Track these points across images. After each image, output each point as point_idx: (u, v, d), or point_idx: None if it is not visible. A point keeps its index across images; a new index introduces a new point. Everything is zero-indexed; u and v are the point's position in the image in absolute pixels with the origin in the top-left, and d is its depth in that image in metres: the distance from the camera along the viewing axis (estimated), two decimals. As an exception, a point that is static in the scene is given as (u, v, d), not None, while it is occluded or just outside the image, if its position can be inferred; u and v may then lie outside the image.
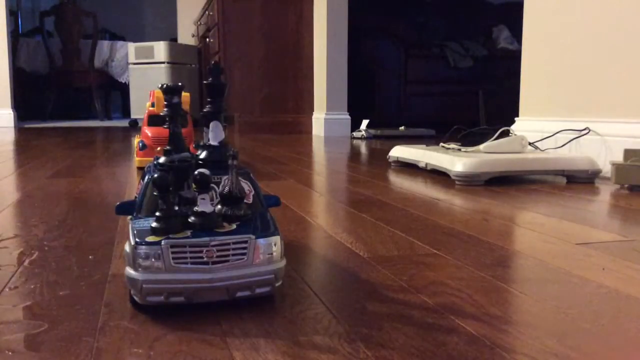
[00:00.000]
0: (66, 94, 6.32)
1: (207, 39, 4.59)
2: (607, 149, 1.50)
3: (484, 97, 3.70)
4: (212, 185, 0.58)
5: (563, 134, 1.62)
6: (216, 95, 0.62)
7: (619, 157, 1.39)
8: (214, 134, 0.62)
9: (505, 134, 1.52)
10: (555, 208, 1.05)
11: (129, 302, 0.54)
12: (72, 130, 4.09)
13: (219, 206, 0.56)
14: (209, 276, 0.50)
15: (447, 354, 0.43)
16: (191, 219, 0.53)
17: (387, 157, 1.80)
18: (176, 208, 0.54)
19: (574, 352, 0.44)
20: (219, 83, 0.61)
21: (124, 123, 5.21)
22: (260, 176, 1.49)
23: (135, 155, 1.69)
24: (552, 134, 1.65)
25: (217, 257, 0.50)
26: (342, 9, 3.45)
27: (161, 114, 1.53)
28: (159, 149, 1.57)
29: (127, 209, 0.58)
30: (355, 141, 3.02)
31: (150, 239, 0.50)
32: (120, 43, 5.90)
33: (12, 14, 5.49)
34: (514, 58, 2.93)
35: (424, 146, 1.72)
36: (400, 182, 1.40)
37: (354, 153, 2.28)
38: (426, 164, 1.54)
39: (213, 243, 0.50)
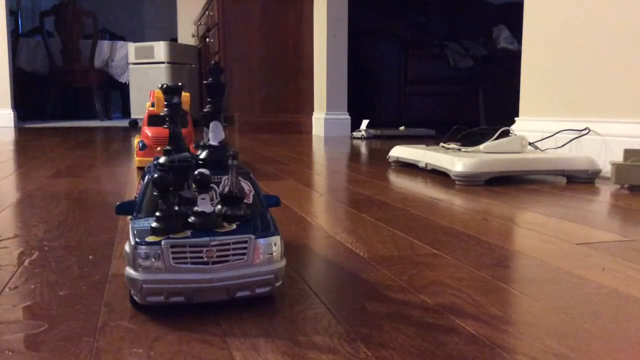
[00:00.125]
0: (66, 94, 6.33)
1: (207, 39, 4.59)
2: (607, 149, 1.50)
3: (484, 97, 3.70)
4: (212, 185, 0.58)
5: (563, 134, 1.62)
6: (216, 95, 0.62)
7: (619, 157, 1.39)
8: (214, 134, 0.62)
9: (505, 134, 1.52)
10: (555, 208, 1.05)
11: (129, 302, 0.54)
12: (72, 130, 4.09)
13: (219, 206, 0.56)
14: (209, 276, 0.50)
15: (447, 354, 0.43)
16: (191, 219, 0.53)
17: (387, 157, 1.80)
18: (176, 208, 0.54)
19: (574, 352, 0.44)
20: (219, 83, 0.61)
21: (124, 123, 5.21)
22: (260, 176, 1.49)
23: (135, 155, 1.69)
24: (552, 134, 1.65)
25: (217, 257, 0.50)
26: (342, 9, 3.45)
27: (161, 114, 1.53)
28: (159, 149, 1.57)
29: (127, 209, 0.58)
30: (355, 141, 3.02)
31: (150, 239, 0.50)
32: (120, 43, 5.90)
33: (12, 14, 5.50)
34: (514, 58, 2.93)
35: (424, 146, 1.72)
36: (400, 182, 1.40)
37: (354, 153, 2.28)
38: (426, 164, 1.54)
39: (213, 243, 0.50)
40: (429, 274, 0.63)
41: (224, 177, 0.59)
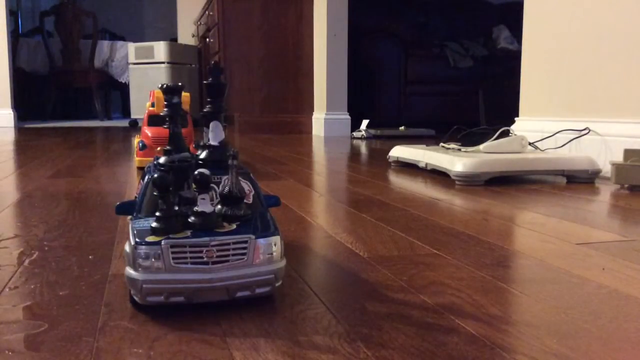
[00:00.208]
0: (66, 94, 6.33)
1: (207, 39, 4.59)
2: (607, 149, 1.50)
3: (484, 97, 3.70)
4: (212, 185, 0.58)
5: (563, 134, 1.62)
6: (216, 95, 0.62)
7: (619, 157, 1.39)
8: (214, 134, 0.62)
9: (505, 134, 1.52)
10: (555, 208, 1.05)
11: (129, 302, 0.54)
12: (72, 130, 4.09)
13: (219, 206, 0.56)
14: (209, 276, 0.50)
15: (447, 354, 0.43)
16: (191, 219, 0.53)
17: (387, 157, 1.80)
18: (176, 208, 0.54)
19: (574, 352, 0.44)
20: (219, 83, 0.61)
21: (124, 123, 5.21)
22: (260, 176, 1.49)
23: (135, 155, 1.69)
24: (552, 134, 1.65)
25: (217, 257, 0.50)
26: (342, 9, 3.45)
27: (161, 114, 1.53)
28: (159, 149, 1.57)
29: (127, 209, 0.58)
30: (355, 141, 3.02)
31: (150, 239, 0.50)
32: (120, 43, 5.90)
33: (12, 14, 5.50)
34: (514, 58, 2.93)
35: (424, 146, 1.72)
36: (400, 182, 1.40)
37: (354, 153, 2.28)
38: (426, 164, 1.54)
39: (213, 243, 0.50)
40: (429, 274, 0.63)
41: (224, 177, 0.59)
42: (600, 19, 1.53)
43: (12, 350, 0.44)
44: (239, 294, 0.52)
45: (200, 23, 5.02)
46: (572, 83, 1.64)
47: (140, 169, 1.62)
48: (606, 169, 1.45)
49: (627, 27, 1.45)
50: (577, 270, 0.65)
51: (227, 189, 0.56)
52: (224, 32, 3.91)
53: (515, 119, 1.90)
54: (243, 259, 0.51)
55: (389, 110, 4.11)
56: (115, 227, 0.87)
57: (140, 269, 0.50)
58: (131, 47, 4.82)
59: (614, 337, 0.46)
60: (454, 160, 1.38)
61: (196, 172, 0.53)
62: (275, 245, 0.53)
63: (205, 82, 0.62)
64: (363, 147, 2.59)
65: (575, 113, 1.63)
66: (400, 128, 3.44)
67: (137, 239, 0.50)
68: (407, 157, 1.67)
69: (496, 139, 1.50)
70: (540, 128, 1.74)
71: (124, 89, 5.87)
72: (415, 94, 4.13)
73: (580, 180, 1.40)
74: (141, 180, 0.62)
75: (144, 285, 0.49)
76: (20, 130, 3.98)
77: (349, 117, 3.55)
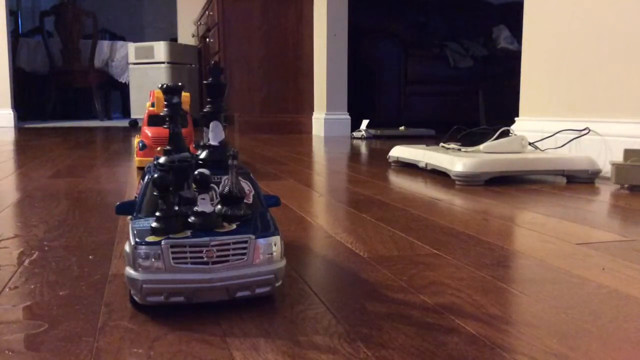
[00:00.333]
0: (66, 94, 6.33)
1: (207, 39, 4.59)
2: (607, 149, 1.50)
3: (484, 97, 3.70)
4: (212, 185, 0.58)
5: (563, 134, 1.63)
6: (216, 95, 0.62)
7: (619, 157, 1.39)
8: (214, 134, 0.62)
9: (505, 134, 1.52)
10: (555, 208, 1.05)
11: (129, 302, 0.54)
12: (72, 130, 4.09)
13: (219, 206, 0.56)
14: (209, 276, 0.50)
15: (447, 354, 0.43)
16: (191, 219, 0.53)
17: (387, 157, 1.80)
18: (176, 208, 0.54)
19: (574, 352, 0.44)
20: (219, 83, 0.61)
21: (124, 123, 5.21)
22: (260, 176, 1.49)
23: (135, 155, 1.69)
24: (552, 134, 1.65)
25: (217, 257, 0.50)
26: (342, 9, 3.45)
27: (161, 114, 1.53)
28: (159, 149, 1.57)
29: (127, 209, 0.58)
30: (355, 141, 3.02)
31: (150, 239, 0.50)
32: (120, 43, 5.90)
33: (12, 14, 5.50)
34: (514, 58, 2.93)
35: (424, 146, 1.72)
36: (400, 182, 1.40)
37: (354, 153, 2.28)
38: (426, 164, 1.54)
39: (213, 243, 0.50)
40: (429, 274, 0.63)
41: (224, 177, 0.59)
42: (600, 19, 1.53)
43: (12, 350, 0.44)
44: (239, 294, 0.52)
45: (200, 23, 5.02)
46: (572, 83, 1.64)
47: (140, 169, 1.62)
48: (606, 169, 1.45)
49: (627, 27, 1.45)
50: (577, 270, 0.65)
51: (227, 189, 0.56)
52: (224, 32, 3.91)
53: (515, 119, 1.90)
54: (243, 259, 0.51)
55: (389, 110, 4.11)
56: (115, 227, 0.87)
57: (140, 269, 0.50)
58: (131, 47, 4.82)
59: (614, 337, 0.46)
60: (454, 160, 1.38)
61: (196, 172, 0.53)
62: (275, 245, 0.53)
63: (205, 82, 0.62)
64: (363, 147, 2.59)
65: (575, 113, 1.63)
66: (400, 128, 3.44)
67: (137, 239, 0.50)
68: (407, 157, 1.67)
69: (496, 139, 1.50)
70: (540, 128, 1.74)
71: (124, 89, 5.87)
72: (415, 94, 4.13)
73: (580, 180, 1.40)
74: (141, 180, 0.62)
75: (144, 285, 0.49)
76: (20, 130, 3.98)
77: (349, 117, 3.55)
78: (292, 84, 4.03)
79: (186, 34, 5.89)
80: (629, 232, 0.85)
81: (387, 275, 0.63)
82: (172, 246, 0.50)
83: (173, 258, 0.50)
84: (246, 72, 3.96)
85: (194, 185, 0.54)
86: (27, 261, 0.68)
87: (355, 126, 3.55)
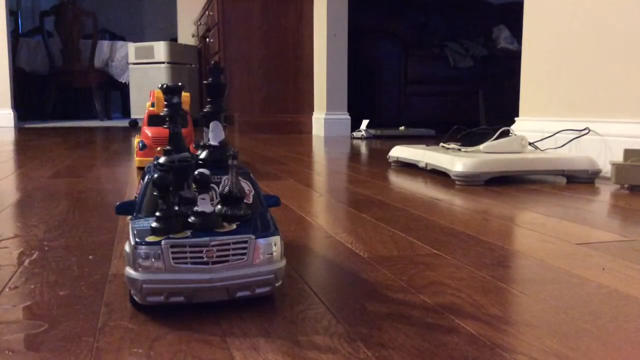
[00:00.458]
0: (66, 94, 6.33)
1: (207, 39, 4.59)
2: (607, 149, 1.50)
3: (484, 97, 3.70)
4: (212, 185, 0.58)
5: (563, 134, 1.63)
6: (216, 95, 0.62)
7: (619, 157, 1.39)
8: (214, 134, 0.62)
9: (505, 134, 1.52)
10: (555, 208, 1.05)
11: (129, 302, 0.54)
12: (72, 130, 4.09)
13: (219, 206, 0.56)
14: (209, 276, 0.50)
15: (447, 354, 0.43)
16: (191, 219, 0.53)
17: (387, 157, 1.80)
18: (176, 208, 0.54)
19: (574, 352, 0.44)
20: (219, 83, 0.61)
21: (124, 123, 5.21)
22: (260, 176, 1.49)
23: (135, 155, 1.69)
24: (552, 134, 1.65)
25: (217, 257, 0.50)
26: (342, 9, 3.45)
27: (161, 114, 1.53)
28: (159, 149, 1.57)
29: (127, 209, 0.58)
30: (355, 141, 3.02)
31: (150, 239, 0.50)
32: (120, 43, 5.90)
33: (12, 14, 5.50)
34: (514, 58, 2.93)
35: (424, 146, 1.72)
36: (400, 182, 1.40)
37: (354, 153, 2.28)
38: (426, 164, 1.54)
39: (213, 243, 0.50)
40: (429, 274, 0.63)
41: (224, 177, 0.59)
42: (600, 19, 1.53)
43: (12, 350, 0.44)
44: (239, 294, 0.52)
45: (200, 23, 5.02)
46: (572, 83, 1.64)
47: (140, 169, 1.62)
48: (606, 169, 1.45)
49: (627, 27, 1.45)
50: (577, 270, 0.65)
51: (227, 189, 0.56)
52: (224, 32, 3.91)
53: (515, 119, 1.90)
54: (243, 259, 0.51)
55: (389, 110, 4.11)
56: (115, 227, 0.87)
57: (140, 269, 0.50)
58: (131, 47, 4.82)
59: (614, 337, 0.46)
60: (454, 160, 1.38)
61: (196, 172, 0.53)
62: (275, 245, 0.53)
63: (205, 82, 0.62)
64: (363, 147, 2.59)
65: (575, 113, 1.63)
66: (400, 128, 3.44)
67: (137, 239, 0.50)
68: (407, 157, 1.67)
69: (496, 139, 1.50)
70: (540, 128, 1.74)
71: (124, 89, 5.87)
72: (415, 94, 4.13)
73: (580, 180, 1.40)
74: (141, 180, 0.62)
75: (144, 285, 0.49)
76: (20, 130, 3.98)
77: (349, 117, 3.55)
78: (292, 84, 4.03)
79: (186, 34, 5.89)
80: (629, 232, 0.85)
81: (387, 275, 0.63)
82: (172, 246, 0.50)
83: (173, 258, 0.50)
84: (246, 72, 3.96)
85: (194, 185, 0.54)
86: (27, 261, 0.68)
87: (355, 126, 3.55)
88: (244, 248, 0.51)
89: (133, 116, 4.78)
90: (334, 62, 3.48)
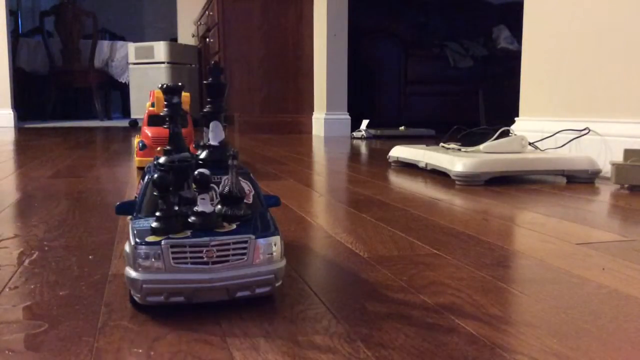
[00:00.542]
0: (66, 94, 6.33)
1: (207, 39, 4.59)
2: (607, 149, 1.50)
3: (484, 97, 3.70)
4: (212, 185, 0.58)
5: (563, 134, 1.63)
6: (216, 95, 0.62)
7: (619, 157, 1.39)
8: (214, 134, 0.62)
9: (505, 134, 1.52)
10: (555, 208, 1.05)
11: (129, 302, 0.54)
12: (72, 130, 4.09)
13: (219, 206, 0.56)
14: (209, 276, 0.50)
15: (447, 354, 0.43)
16: (191, 219, 0.53)
17: (387, 157, 1.80)
18: (176, 208, 0.54)
19: (574, 352, 0.44)
20: (219, 83, 0.61)
21: (124, 123, 5.21)
22: (260, 176, 1.49)
23: (135, 155, 1.69)
24: (552, 134, 1.65)
25: (217, 257, 0.50)
26: (342, 9, 3.45)
27: (161, 114, 1.53)
28: (159, 149, 1.57)
29: (127, 209, 0.58)
30: (355, 141, 3.02)
31: (150, 239, 0.50)
32: (120, 43, 5.90)
33: (12, 14, 5.49)
34: (514, 58, 2.93)
35: (424, 146, 1.72)
36: (400, 182, 1.40)
37: (354, 153, 2.28)
38: (426, 164, 1.54)
39: (213, 243, 0.50)
40: (429, 274, 0.63)
41: (224, 177, 0.59)
42: (600, 19, 1.53)
43: (12, 350, 0.44)
44: (239, 294, 0.52)
45: (200, 23, 5.02)
46: (572, 83, 1.64)
47: (140, 169, 1.62)
48: (606, 169, 1.45)
49: (627, 27, 1.45)
50: (577, 270, 0.65)
51: (227, 189, 0.56)
52: (224, 32, 3.91)
53: (515, 119, 1.90)
54: (243, 259, 0.51)
55: (389, 110, 4.11)
56: (115, 227, 0.87)
57: (140, 269, 0.50)
58: (131, 47, 4.82)
59: (614, 337, 0.46)
60: (454, 160, 1.38)
61: (196, 172, 0.53)
62: (275, 245, 0.53)
63: (205, 82, 0.62)
64: (363, 147, 2.59)
65: (575, 113, 1.63)
66: (400, 128, 3.44)
67: (137, 239, 0.50)
68: (407, 157, 1.67)
69: (496, 139, 1.50)
70: (540, 128, 1.74)
71: (124, 89, 5.87)
72: (415, 94, 4.13)
73: (580, 180, 1.40)
74: (141, 180, 0.62)
75: (144, 285, 0.49)
76: (20, 130, 3.98)
77: (349, 117, 3.55)
78: (292, 84, 4.03)
79: (186, 34, 5.89)
80: (629, 232, 0.85)
81: (387, 275, 0.63)
82: (172, 246, 0.50)
83: (173, 258, 0.50)
84: (246, 72, 3.96)
85: (194, 185, 0.54)
86: (27, 261, 0.68)
87: (355, 126, 3.55)
88: (244, 248, 0.51)
89: (133, 116, 4.78)
90: (334, 62, 3.48)
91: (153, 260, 0.49)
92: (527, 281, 0.61)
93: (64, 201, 1.10)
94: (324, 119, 3.51)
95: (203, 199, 0.53)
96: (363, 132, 3.29)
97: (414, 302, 0.54)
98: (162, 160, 0.57)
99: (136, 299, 0.51)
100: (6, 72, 4.43)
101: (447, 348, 0.44)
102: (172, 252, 0.50)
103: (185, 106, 1.58)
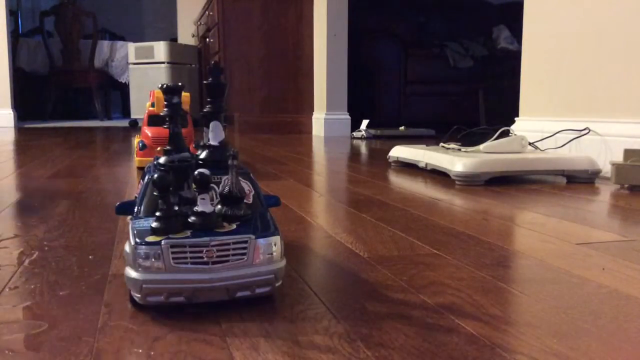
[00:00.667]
0: (66, 94, 6.33)
1: (207, 39, 4.59)
2: (607, 149, 1.50)
3: (484, 97, 3.70)
4: (212, 185, 0.58)
5: (563, 134, 1.63)
6: (216, 95, 0.62)
7: (619, 157, 1.39)
8: (214, 134, 0.62)
9: (505, 134, 1.52)
10: (555, 208, 1.05)
11: (129, 302, 0.54)
12: (72, 130, 4.09)
13: (219, 206, 0.56)
14: (209, 276, 0.50)
15: (447, 354, 0.43)
16: (191, 219, 0.53)
17: (387, 157, 1.80)
18: (176, 208, 0.54)
19: (574, 352, 0.44)
20: (219, 83, 0.61)
21: (124, 123, 5.21)
22: (260, 176, 1.49)
23: (135, 155, 1.69)
24: (552, 134, 1.65)
25: (217, 257, 0.50)
26: (342, 9, 3.45)
27: (161, 114, 1.53)
28: (159, 149, 1.57)
29: (127, 209, 0.58)
30: (355, 141, 3.02)
31: (150, 239, 0.50)
32: (120, 43, 5.90)
33: (12, 14, 5.50)
34: (514, 58, 2.93)
35: (424, 146, 1.72)
36: (400, 182, 1.40)
37: (354, 153, 2.28)
38: (426, 164, 1.54)
39: (213, 243, 0.50)
40: (429, 274, 0.63)
41: (224, 177, 0.59)
42: (600, 19, 1.53)
43: (12, 350, 0.44)
44: (239, 294, 0.52)
45: (200, 23, 5.02)
46: (572, 83, 1.64)
47: (140, 169, 1.62)
48: (606, 169, 1.45)
49: (627, 27, 1.45)
50: (577, 270, 0.65)
51: (227, 189, 0.56)
52: (224, 32, 3.91)
53: (515, 119, 1.90)
54: (243, 259, 0.51)
55: (389, 110, 4.11)
56: (115, 227, 0.87)
57: (140, 269, 0.50)
58: (131, 47, 4.82)
59: (614, 337, 0.46)
60: (454, 160, 1.38)
61: (196, 172, 0.53)
62: (275, 245, 0.53)
63: (205, 82, 0.62)
64: (363, 147, 2.59)
65: (575, 113, 1.63)
66: (400, 128, 3.44)
67: (137, 239, 0.50)
68: (407, 157, 1.67)
69: (496, 139, 1.50)
70: (540, 128, 1.74)
71: (124, 89, 5.87)
72: (415, 94, 4.13)
73: (580, 180, 1.40)
74: (141, 180, 0.62)
75: (144, 285, 0.49)
76: (20, 130, 3.98)
77: (349, 117, 3.55)
78: (292, 84, 4.03)
79: (186, 34, 5.89)
80: (629, 232, 0.85)
81: (387, 275, 0.63)
82: (172, 246, 0.50)
83: (173, 258, 0.50)
84: (246, 72, 3.96)
85: (194, 185, 0.54)
86: (27, 261, 0.68)
87: (355, 126, 3.55)
88: (244, 248, 0.51)
89: (133, 116, 4.78)
90: (334, 62, 3.48)
91: (153, 260, 0.49)
92: (527, 281, 0.61)
93: (64, 201, 1.10)
94: (324, 119, 3.51)
95: (203, 199, 0.53)
96: (363, 132, 3.29)
97: (414, 302, 0.54)
98: (162, 160, 0.57)
99: (136, 299, 0.51)
100: (6, 72, 4.43)
101: (447, 348, 0.44)
102: (172, 252, 0.50)
103: (185, 106, 1.58)
